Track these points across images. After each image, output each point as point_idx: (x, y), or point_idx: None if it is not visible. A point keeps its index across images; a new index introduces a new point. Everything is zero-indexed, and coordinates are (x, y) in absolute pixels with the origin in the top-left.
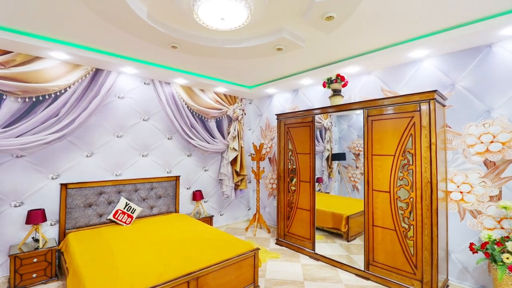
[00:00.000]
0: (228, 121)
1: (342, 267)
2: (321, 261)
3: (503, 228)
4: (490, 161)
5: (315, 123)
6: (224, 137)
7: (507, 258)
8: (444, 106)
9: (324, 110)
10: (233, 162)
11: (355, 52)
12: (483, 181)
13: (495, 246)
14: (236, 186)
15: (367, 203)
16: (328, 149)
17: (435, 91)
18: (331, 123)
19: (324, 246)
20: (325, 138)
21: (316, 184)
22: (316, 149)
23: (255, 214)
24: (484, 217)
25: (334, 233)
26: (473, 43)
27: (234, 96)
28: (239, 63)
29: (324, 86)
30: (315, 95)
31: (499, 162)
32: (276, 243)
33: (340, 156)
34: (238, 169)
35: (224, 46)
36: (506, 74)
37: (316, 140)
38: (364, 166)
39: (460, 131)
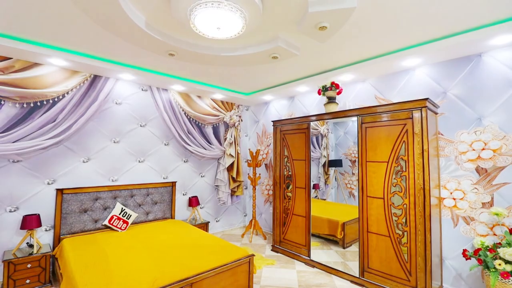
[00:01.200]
0: (225, 127)
1: (338, 274)
2: (316, 267)
3: (496, 235)
4: (482, 168)
5: (312, 130)
6: (220, 143)
7: (499, 264)
8: (436, 113)
9: (319, 117)
10: (230, 168)
11: (349, 60)
12: (475, 188)
13: (488, 253)
14: (233, 192)
15: (362, 210)
16: (324, 156)
17: (426, 99)
18: (327, 129)
19: (320, 252)
20: (321, 145)
21: (313, 190)
22: (312, 155)
23: (251, 221)
24: (477, 224)
25: (330, 239)
26: (463, 52)
27: (231, 103)
28: (236, 71)
29: (319, 93)
30: (311, 102)
31: (491, 169)
32: (272, 250)
33: (336, 163)
34: (234, 175)
35: (220, 54)
36: (496, 83)
37: (312, 147)
38: (358, 172)
39: (452, 138)
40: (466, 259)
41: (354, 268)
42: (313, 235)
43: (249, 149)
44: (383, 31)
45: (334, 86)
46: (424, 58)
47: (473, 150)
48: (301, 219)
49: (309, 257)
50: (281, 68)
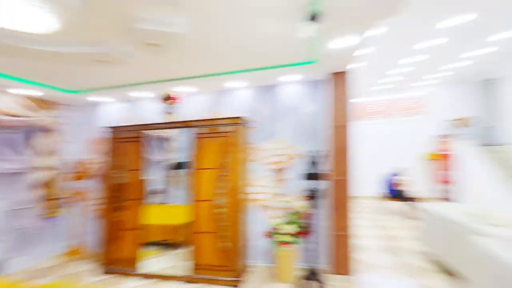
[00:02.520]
0: (41, 132)
1: (173, 279)
2: (152, 278)
3: (285, 217)
4: (278, 169)
5: (158, 133)
6: (32, 153)
7: (277, 237)
8: (249, 127)
9: (155, 126)
10: (44, 183)
11: (188, 73)
12: (274, 183)
13: (275, 230)
14: (48, 214)
15: (194, 212)
16: (170, 159)
17: (240, 117)
18: (173, 133)
19: (158, 260)
20: (167, 148)
21: (155, 195)
22: (158, 159)
23: (74, 245)
24: (275, 210)
25: (169, 244)
26: (268, 82)
27: (52, 102)
28: (58, 66)
29: (163, 101)
30: (152, 108)
31: (282, 169)
32: (104, 273)
33: (183, 165)
34: (51, 192)
35: (31, 46)
36: (285, 108)
37: (158, 150)
38: (190, 179)
39: (260, 147)
40: (268, 238)
41: (189, 268)
42: (151, 243)
43: (75, 159)
44: (212, 55)
45: (171, 97)
46: (242, 82)
47: (273, 155)
48: (135, 232)
49: (142, 271)
50: (115, 71)
